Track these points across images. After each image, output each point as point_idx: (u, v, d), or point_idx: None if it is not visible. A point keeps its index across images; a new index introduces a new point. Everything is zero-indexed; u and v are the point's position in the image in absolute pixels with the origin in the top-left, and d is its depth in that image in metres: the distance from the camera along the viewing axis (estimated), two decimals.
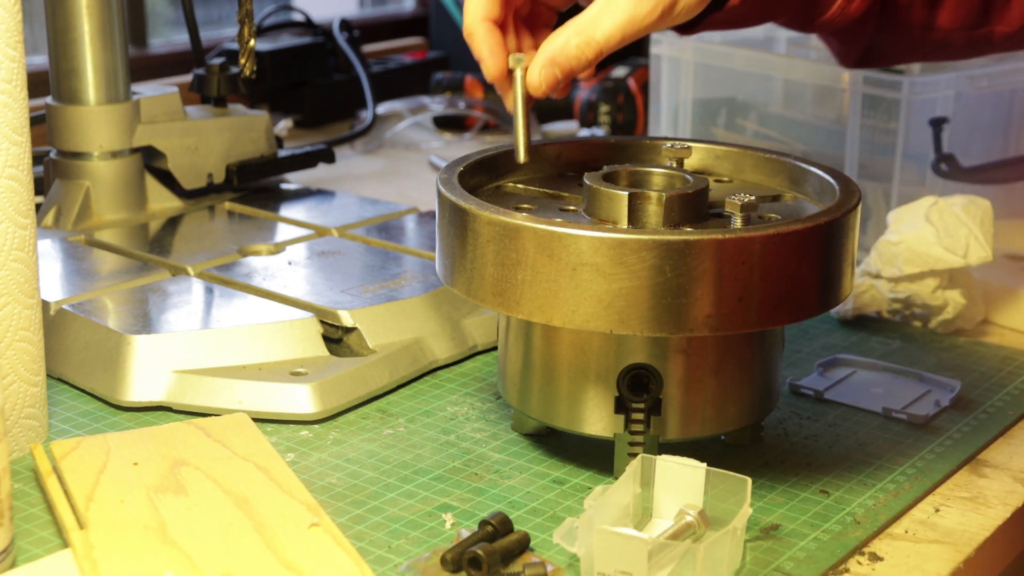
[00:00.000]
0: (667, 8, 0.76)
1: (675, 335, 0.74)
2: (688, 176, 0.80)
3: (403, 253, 1.06)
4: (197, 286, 0.98)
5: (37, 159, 1.16)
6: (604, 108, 1.56)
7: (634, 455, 0.74)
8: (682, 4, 0.76)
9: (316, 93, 1.64)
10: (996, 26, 0.87)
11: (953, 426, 0.87)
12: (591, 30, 0.76)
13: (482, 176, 0.84)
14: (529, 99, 0.79)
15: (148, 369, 0.87)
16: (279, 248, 1.07)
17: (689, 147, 0.83)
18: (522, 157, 0.79)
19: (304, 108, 1.64)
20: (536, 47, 0.81)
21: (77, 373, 0.89)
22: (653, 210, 0.76)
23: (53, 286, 0.97)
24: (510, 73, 0.79)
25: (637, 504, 0.72)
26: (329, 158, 1.33)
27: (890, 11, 0.84)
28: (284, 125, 1.62)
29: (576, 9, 0.83)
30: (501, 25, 0.78)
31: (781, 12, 0.82)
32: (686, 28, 0.81)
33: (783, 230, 0.72)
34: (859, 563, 0.72)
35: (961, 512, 0.77)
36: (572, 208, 0.80)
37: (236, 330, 0.89)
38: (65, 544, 0.70)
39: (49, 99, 1.12)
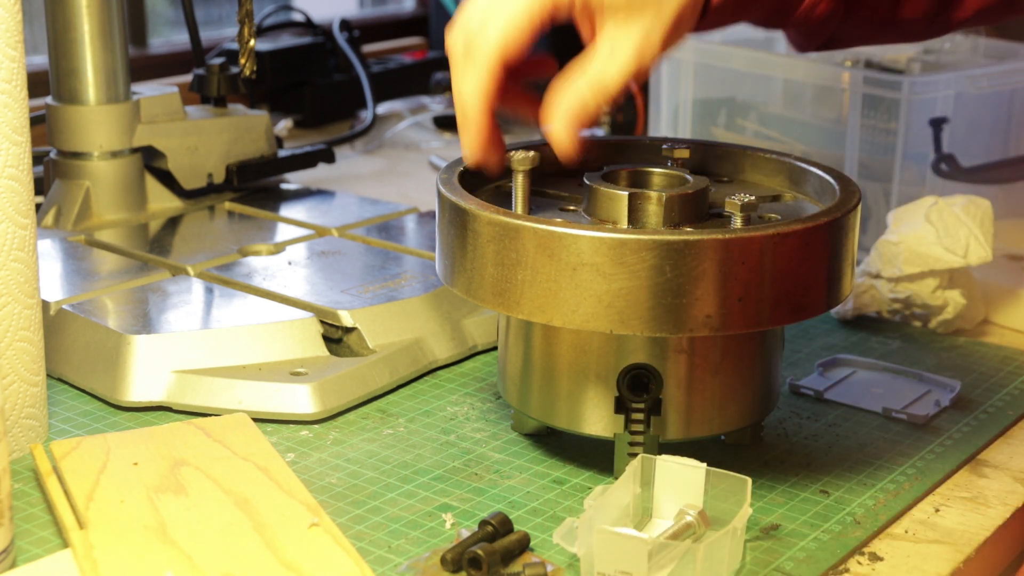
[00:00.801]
0: (666, 43, 0.74)
1: (675, 335, 0.74)
2: (688, 176, 0.80)
3: (403, 253, 1.06)
4: (197, 286, 0.98)
5: (37, 159, 1.15)
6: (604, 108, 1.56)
7: (634, 455, 0.74)
8: (676, 38, 0.75)
9: (316, 93, 1.64)
10: (954, 13, 0.88)
11: (953, 426, 0.87)
12: (602, 80, 0.74)
13: (482, 176, 0.84)
14: (528, 184, 0.78)
15: (148, 369, 0.87)
16: (279, 248, 1.07)
17: (689, 147, 0.83)
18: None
19: (304, 108, 1.64)
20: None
21: (77, 373, 0.89)
22: (653, 210, 0.76)
23: (53, 286, 0.97)
24: (502, 158, 0.77)
25: (637, 504, 0.72)
26: (329, 158, 1.33)
27: (854, 8, 0.85)
28: (284, 125, 1.62)
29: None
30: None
31: (752, 13, 0.83)
32: None
33: (783, 230, 0.72)
34: (859, 563, 0.72)
35: (961, 512, 0.77)
36: (572, 208, 0.80)
37: (236, 330, 0.89)
38: (65, 544, 0.70)
39: (49, 99, 1.12)
